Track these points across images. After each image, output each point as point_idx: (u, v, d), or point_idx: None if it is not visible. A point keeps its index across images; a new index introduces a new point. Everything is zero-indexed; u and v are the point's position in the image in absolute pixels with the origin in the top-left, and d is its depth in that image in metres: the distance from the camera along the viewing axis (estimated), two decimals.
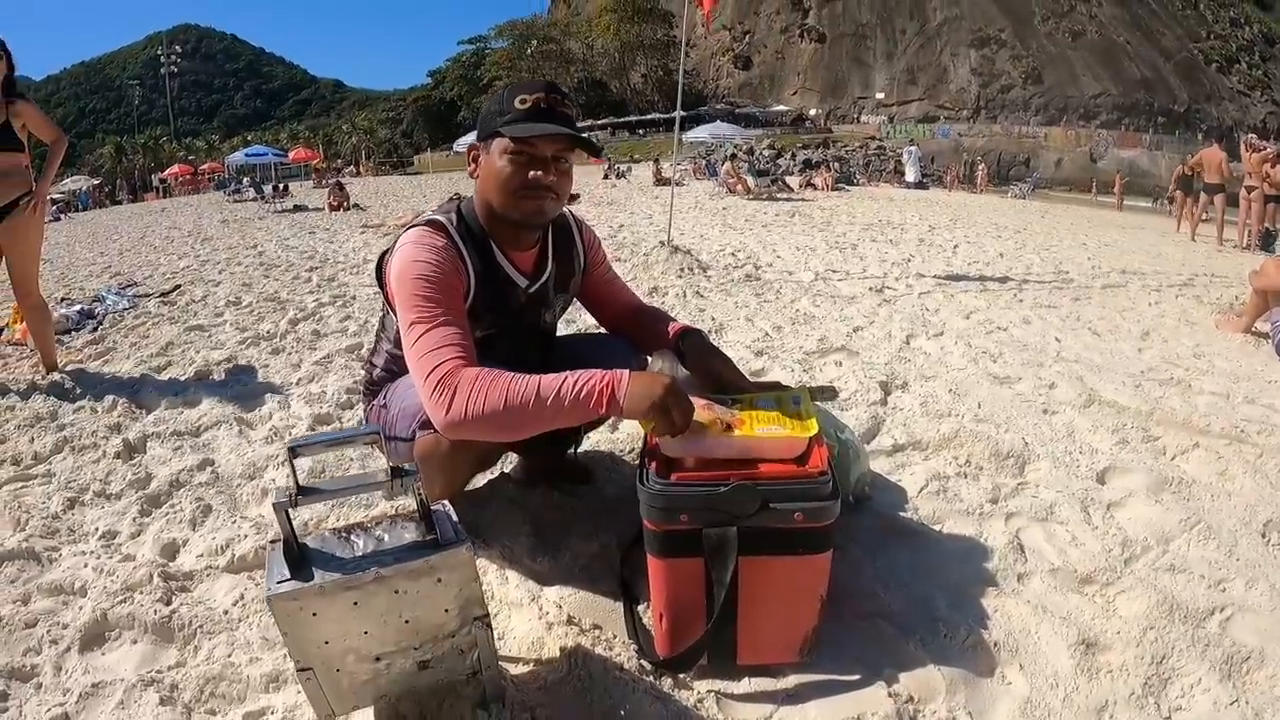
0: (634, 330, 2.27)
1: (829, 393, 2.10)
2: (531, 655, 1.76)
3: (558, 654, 1.75)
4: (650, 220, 12.68)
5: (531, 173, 1.84)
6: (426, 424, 1.80)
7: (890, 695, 1.64)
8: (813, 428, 1.69)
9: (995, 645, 1.85)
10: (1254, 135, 15.04)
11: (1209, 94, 62.74)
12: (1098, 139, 53.53)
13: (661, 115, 61.32)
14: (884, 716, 1.58)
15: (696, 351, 2.03)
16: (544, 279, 2.09)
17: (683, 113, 7.45)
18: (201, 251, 10.20)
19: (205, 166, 52.49)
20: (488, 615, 1.43)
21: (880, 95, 64.61)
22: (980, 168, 37.97)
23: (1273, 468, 2.92)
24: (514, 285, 2.02)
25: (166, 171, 48.76)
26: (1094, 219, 18.99)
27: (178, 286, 7.03)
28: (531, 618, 1.90)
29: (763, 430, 1.68)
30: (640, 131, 62.74)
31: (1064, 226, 15.03)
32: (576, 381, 1.60)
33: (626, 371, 1.62)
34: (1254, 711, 1.69)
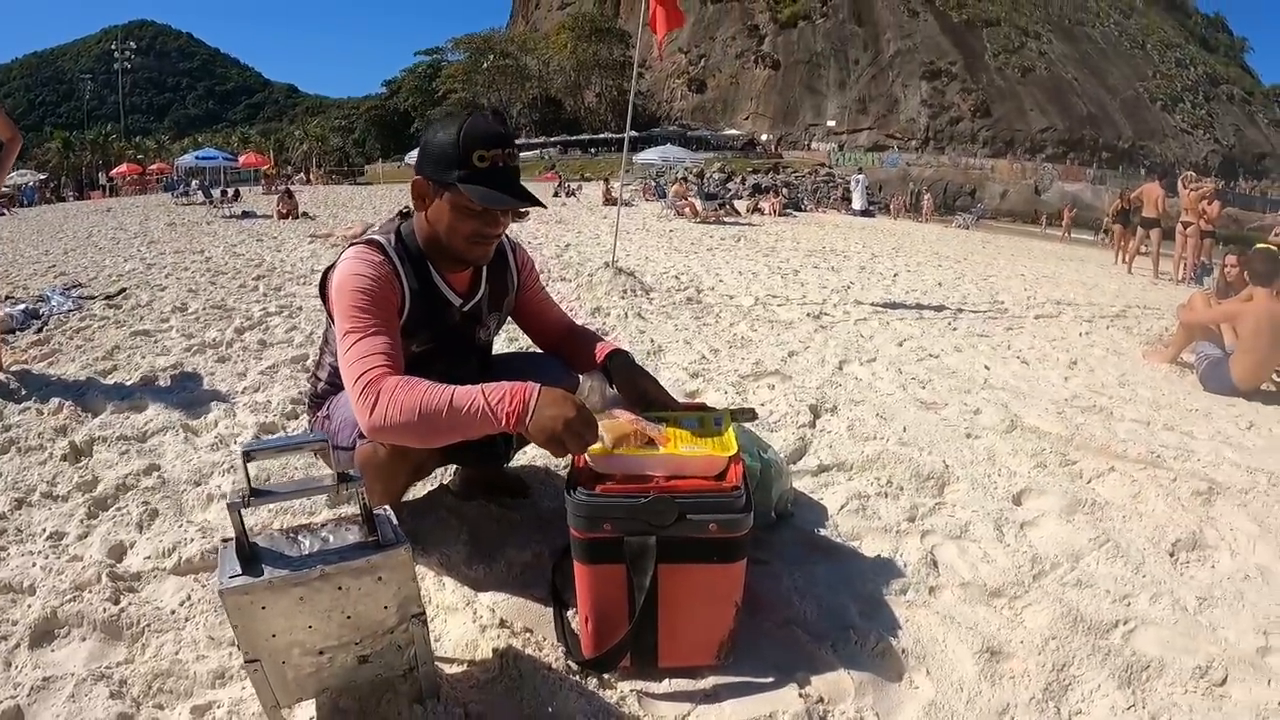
0: (566, 350, 2.36)
1: (749, 414, 2.21)
2: (466, 656, 1.84)
3: (490, 655, 1.84)
4: (597, 240, 12.71)
5: (487, 229, 1.95)
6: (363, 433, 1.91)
7: (801, 696, 1.74)
8: (732, 447, 1.79)
9: (904, 652, 1.96)
10: (1191, 172, 15.48)
11: (1153, 131, 64.55)
12: (1043, 172, 54.79)
13: (614, 135, 61.35)
14: (795, 715, 1.67)
15: (623, 372, 2.11)
16: (478, 298, 2.17)
17: (634, 133, 7.55)
18: (148, 254, 10.04)
19: (154, 167, 51.32)
20: (424, 613, 1.52)
21: (831, 123, 65.38)
22: (926, 197, 38.64)
23: (1185, 491, 3.06)
24: (449, 304, 2.11)
25: (114, 170, 47.64)
26: (1035, 250, 19.38)
27: (123, 290, 6.94)
28: (466, 621, 1.98)
29: (685, 449, 1.78)
30: (592, 150, 62.73)
31: (1004, 257, 15.34)
32: (489, 394, 1.63)
33: (538, 386, 1.64)
34: (1150, 716, 1.81)
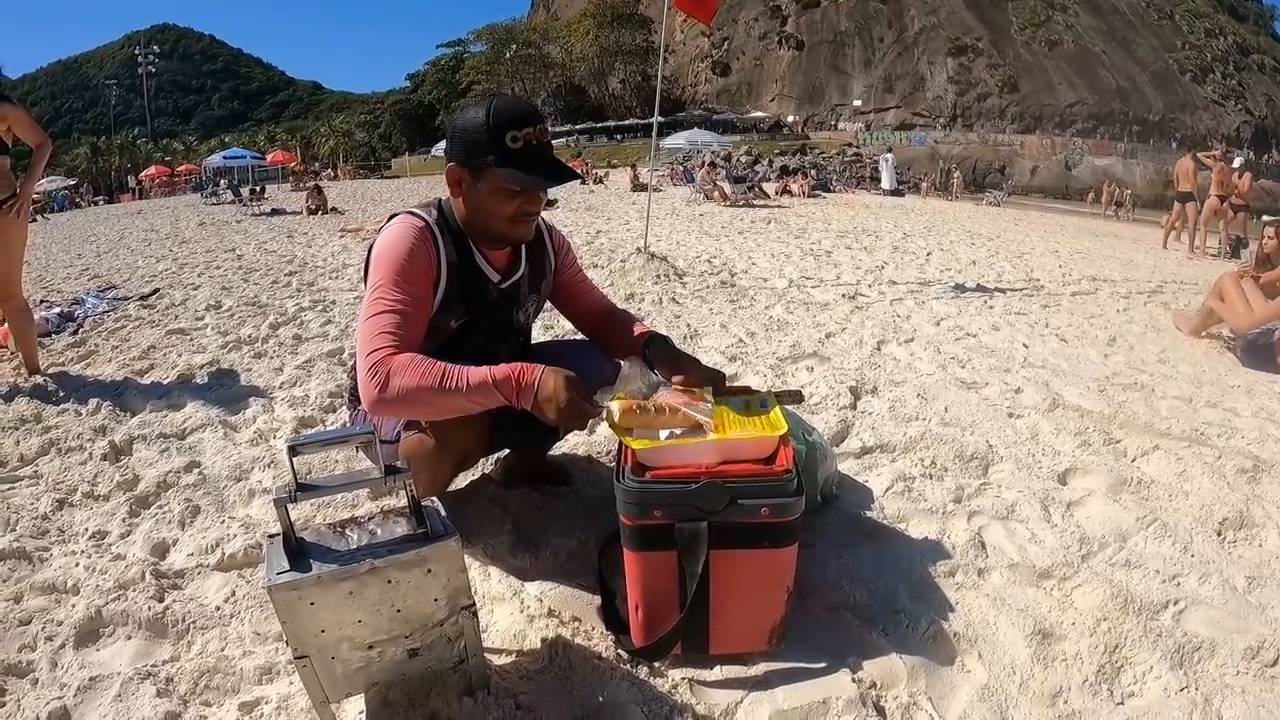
0: (604, 333, 2.35)
1: (795, 397, 2.18)
2: (514, 646, 1.83)
3: (539, 645, 1.83)
4: (627, 226, 12.69)
5: (529, 207, 1.95)
6: (411, 424, 1.90)
7: (854, 681, 1.72)
8: (781, 426, 1.77)
9: (955, 635, 1.93)
10: (1220, 148, 15.17)
11: (1183, 103, 63.33)
12: (1073, 147, 54.05)
13: (639, 121, 61.18)
14: (848, 702, 1.65)
15: (663, 356, 2.10)
16: (516, 277, 2.16)
17: (661, 119, 7.49)
18: (180, 254, 10.15)
19: (182, 168, 51.84)
20: (474, 605, 1.51)
21: (857, 103, 64.74)
22: (955, 175, 38.20)
23: (1230, 469, 2.99)
24: (488, 281, 2.09)
25: (143, 173, 48.19)
26: (1068, 226, 19.08)
27: (157, 290, 7.02)
28: (513, 611, 1.97)
29: (736, 432, 1.76)
30: (618, 137, 62.57)
31: (1037, 233, 15.13)
32: (496, 370, 1.72)
33: (543, 367, 1.72)
34: (1203, 698, 1.77)
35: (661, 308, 5.86)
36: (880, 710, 1.67)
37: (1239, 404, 3.99)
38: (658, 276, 7.09)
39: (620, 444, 1.78)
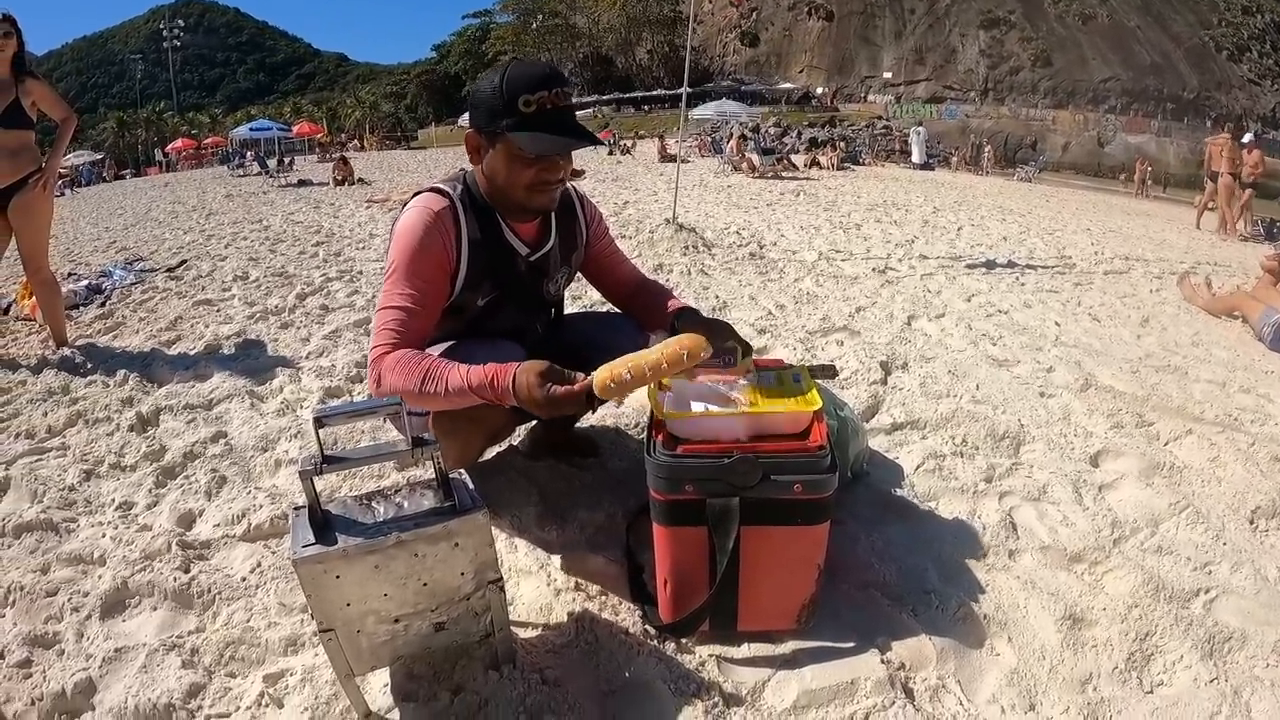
0: (635, 306, 2.30)
1: (829, 371, 2.15)
2: (540, 620, 1.82)
3: (565, 619, 1.82)
4: (655, 197, 12.60)
5: (546, 174, 1.90)
6: None
7: (883, 662, 1.70)
8: (815, 402, 1.74)
9: (985, 617, 1.91)
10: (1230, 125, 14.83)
11: (1219, 81, 61.90)
12: (1106, 123, 53.13)
13: (667, 91, 60.67)
14: (877, 683, 1.63)
15: (691, 327, 2.01)
16: (546, 249, 2.12)
17: (689, 89, 7.42)
18: (207, 226, 10.20)
19: (208, 140, 52.16)
20: (501, 579, 1.49)
21: (888, 75, 63.78)
22: (987, 149, 37.70)
23: (1264, 456, 2.94)
24: (516, 254, 2.06)
25: (169, 146, 48.47)
26: (1099, 204, 18.86)
27: (184, 261, 7.05)
28: (540, 584, 1.96)
29: (769, 406, 1.73)
30: (645, 107, 62.02)
31: (1069, 210, 14.95)
32: (473, 374, 1.70)
33: (516, 367, 1.66)
34: (1233, 690, 1.74)
35: (690, 279, 5.83)
36: (909, 692, 1.65)
37: (1273, 390, 3.91)
38: (686, 247, 7.06)
39: (651, 416, 1.76)
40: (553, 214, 2.11)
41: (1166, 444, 3.08)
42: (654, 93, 64.07)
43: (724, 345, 1.84)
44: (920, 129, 32.01)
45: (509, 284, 2.07)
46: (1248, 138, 13.43)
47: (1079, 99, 58.09)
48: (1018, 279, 6.52)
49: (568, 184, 2.12)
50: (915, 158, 29.80)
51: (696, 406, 1.74)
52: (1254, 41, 65.09)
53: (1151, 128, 52.53)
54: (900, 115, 51.37)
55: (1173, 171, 37.45)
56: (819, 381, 2.07)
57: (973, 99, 58.36)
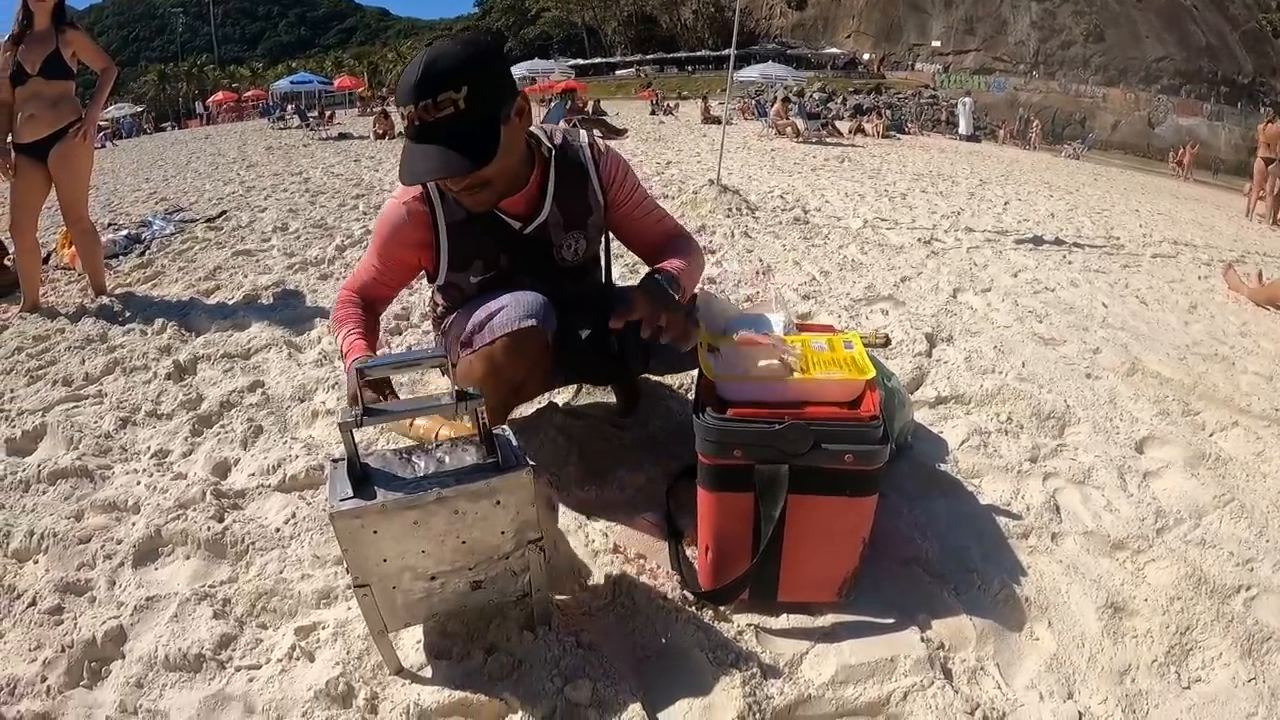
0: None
1: (882, 340, 2.10)
2: (577, 581, 1.81)
3: (602, 581, 1.80)
4: (698, 159, 12.48)
5: (449, 186, 1.81)
6: (465, 344, 1.87)
7: (923, 640, 1.67)
8: (869, 370, 1.70)
9: (1026, 600, 1.88)
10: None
11: (1275, 67, 60.21)
12: (1157, 104, 51.93)
13: (711, 53, 60.16)
14: (916, 661, 1.61)
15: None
16: (540, 220, 2.00)
17: (736, 50, 7.32)
18: (247, 178, 10.24)
19: (249, 93, 52.18)
20: (542, 539, 1.47)
21: (936, 43, 62.66)
22: (1035, 124, 37.11)
23: None
24: (506, 227, 1.97)
25: (210, 99, 48.68)
26: (1149, 186, 18.51)
27: (224, 212, 7.08)
28: (578, 545, 1.95)
29: (821, 374, 1.69)
30: (689, 68, 61.54)
31: (1117, 190, 14.69)
32: (345, 345, 1.83)
33: (355, 361, 1.62)
34: (1270, 690, 1.71)
35: (733, 241, 5.77)
36: (947, 673, 1.62)
37: None
38: (730, 209, 6.98)
39: (699, 376, 1.72)
40: (549, 182, 1.99)
41: (1212, 435, 3.02)
42: (698, 54, 63.44)
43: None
44: (967, 100, 31.55)
45: (514, 256, 2.00)
46: None
47: (1130, 77, 56.70)
48: (1065, 257, 6.41)
49: (585, 144, 2.05)
50: (962, 129, 29.41)
51: (746, 369, 1.70)
52: None
53: (1204, 111, 51.27)
54: (947, 85, 50.60)
55: (1223, 157, 36.61)
56: (872, 351, 2.03)
57: (1022, 72, 57.23)
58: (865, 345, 1.89)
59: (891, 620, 1.73)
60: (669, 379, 2.92)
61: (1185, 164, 27.25)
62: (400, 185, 1.88)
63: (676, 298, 1.85)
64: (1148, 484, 2.56)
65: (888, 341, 2.29)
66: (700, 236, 5.79)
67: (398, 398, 1.78)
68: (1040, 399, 3.02)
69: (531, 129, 1.91)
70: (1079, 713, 1.58)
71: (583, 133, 2.11)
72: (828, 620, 1.71)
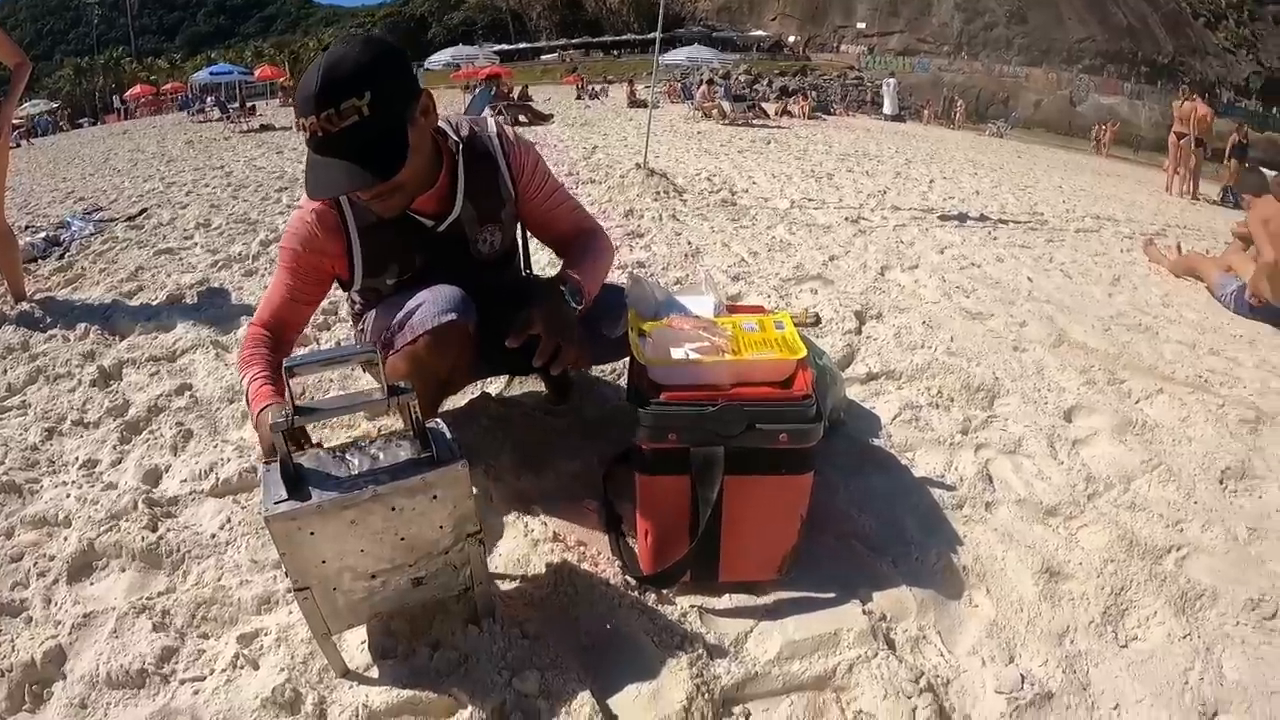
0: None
1: (812, 319, 2.12)
2: (518, 572, 1.80)
3: (544, 570, 1.80)
4: (625, 142, 12.42)
5: (359, 194, 1.75)
6: (386, 344, 1.84)
7: (865, 613, 1.71)
8: (800, 349, 1.72)
9: (964, 569, 1.93)
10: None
11: (1194, 48, 61.98)
12: (1079, 83, 53.24)
13: (637, 36, 59.89)
14: (859, 633, 1.64)
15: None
16: (453, 217, 1.95)
17: (662, 34, 7.28)
18: (167, 173, 9.94)
19: (168, 86, 50.43)
20: (481, 531, 1.46)
21: (861, 25, 63.17)
22: (959, 104, 37.78)
23: (1233, 418, 3.00)
24: (419, 227, 1.92)
25: (128, 93, 47.08)
26: (1071, 163, 18.95)
27: (144, 210, 6.86)
28: (517, 536, 1.94)
29: (753, 354, 1.71)
30: (615, 52, 61.16)
31: (1040, 167, 15.03)
32: (250, 391, 1.68)
33: (263, 410, 1.56)
34: (1205, 646, 1.78)
35: (661, 224, 5.75)
36: (890, 643, 1.67)
37: (1241, 354, 3.97)
38: (657, 193, 6.95)
39: (631, 362, 1.73)
40: (459, 178, 1.94)
41: (1138, 402, 3.13)
42: (624, 37, 63.10)
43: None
44: (892, 81, 31.92)
45: (431, 255, 1.96)
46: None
47: (1053, 58, 57.97)
48: (990, 233, 6.55)
49: (494, 135, 2.01)
50: (887, 109, 29.80)
51: (678, 352, 1.71)
52: (1231, 10, 65.44)
53: (1124, 90, 52.71)
54: (873, 67, 51.05)
55: (1144, 135, 37.68)
56: (800, 329, 2.05)
57: (946, 53, 58.10)
58: (796, 325, 1.90)
59: (833, 595, 1.76)
60: (601, 369, 2.92)
61: (1106, 141, 28.03)
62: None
63: (578, 310, 1.84)
64: (1077, 451, 2.65)
65: (818, 320, 2.32)
66: (628, 220, 5.80)
67: (315, 445, 1.59)
68: (969, 372, 3.09)
69: (438, 123, 1.85)
70: (1021, 676, 1.63)
71: (491, 122, 2.05)
72: (770, 598, 1.74)
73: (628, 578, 1.78)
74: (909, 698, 1.52)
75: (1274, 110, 53.77)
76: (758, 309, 2.05)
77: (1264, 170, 8.14)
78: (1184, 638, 1.82)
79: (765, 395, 1.64)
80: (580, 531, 1.95)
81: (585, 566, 1.83)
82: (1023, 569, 1.96)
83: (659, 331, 1.77)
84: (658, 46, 7.82)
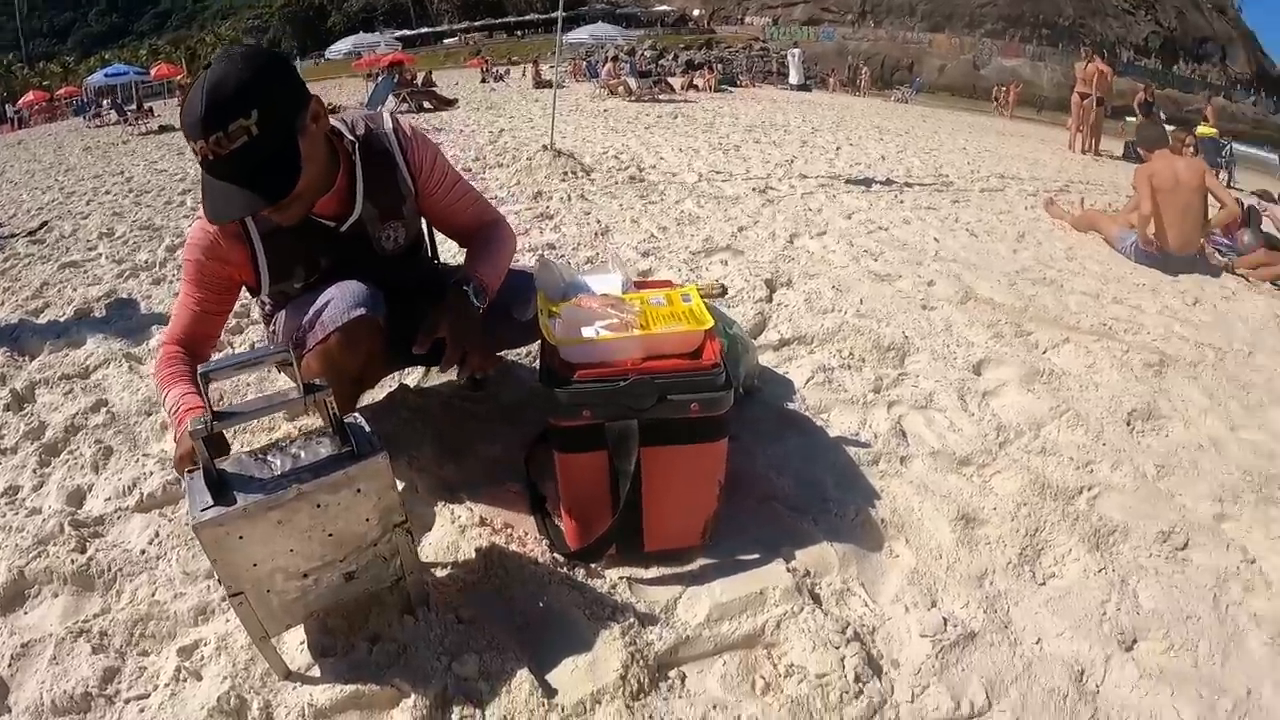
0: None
1: (719, 289, 2.17)
2: (448, 559, 1.83)
3: (474, 555, 1.83)
4: (531, 124, 12.23)
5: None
6: (298, 344, 1.84)
7: (789, 570, 1.78)
8: (707, 320, 1.77)
9: (882, 522, 2.02)
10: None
11: (1094, 10, 63.70)
12: (982, 47, 54.35)
13: (540, 16, 59.11)
14: (784, 591, 1.71)
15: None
16: (354, 218, 1.93)
17: (564, 13, 7.21)
18: (66, 183, 9.56)
19: (61, 91, 48.31)
20: (407, 521, 1.49)
21: None
22: (864, 71, 38.21)
23: (1137, 362, 3.14)
24: (322, 229, 1.91)
25: (20, 101, 44.97)
26: (976, 125, 19.32)
27: (45, 223, 6.62)
28: (445, 523, 1.96)
29: (661, 328, 1.75)
30: (519, 33, 60.30)
31: (945, 130, 15.30)
32: (171, 403, 1.69)
33: (186, 427, 1.52)
34: (1120, 578, 1.90)
35: (570, 204, 5.70)
36: (816, 598, 1.73)
37: (1144, 301, 4.14)
38: (565, 173, 6.88)
39: (542, 343, 1.75)
40: (357, 179, 1.92)
41: (1045, 352, 3.25)
42: (526, 18, 62.19)
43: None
44: (796, 50, 32.18)
45: (334, 258, 1.95)
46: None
47: (955, 23, 59.00)
48: (896, 196, 6.67)
49: (389, 130, 2.00)
50: (792, 79, 29.97)
51: (588, 331, 1.74)
52: None
53: (1026, 52, 54.02)
54: (777, 38, 51.38)
55: (1047, 95, 38.70)
56: (710, 301, 2.10)
57: (850, 21, 58.71)
58: (703, 296, 1.94)
59: (757, 556, 1.82)
60: (516, 352, 2.94)
61: (1009, 102, 28.70)
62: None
63: (481, 309, 1.89)
64: (987, 403, 2.75)
65: (724, 291, 2.38)
66: (537, 203, 5.74)
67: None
68: (880, 333, 3.18)
69: (332, 122, 1.84)
70: (944, 619, 1.71)
71: (388, 118, 2.04)
72: (696, 564, 1.79)
73: (556, 555, 1.82)
74: (837, 648, 1.58)
75: (1173, 68, 56.01)
76: (665, 284, 2.10)
77: (1166, 125, 8.52)
78: (1099, 572, 1.92)
79: (675, 367, 1.68)
80: (506, 514, 1.98)
81: (514, 548, 1.86)
82: (939, 518, 2.05)
83: (568, 311, 1.80)
84: (560, 25, 7.76)
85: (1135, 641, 1.76)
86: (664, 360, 1.71)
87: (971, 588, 1.82)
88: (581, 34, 38.69)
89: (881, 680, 1.57)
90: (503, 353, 2.65)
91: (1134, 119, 12.93)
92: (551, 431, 1.68)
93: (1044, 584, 1.89)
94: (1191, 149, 6.42)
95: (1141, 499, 2.26)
